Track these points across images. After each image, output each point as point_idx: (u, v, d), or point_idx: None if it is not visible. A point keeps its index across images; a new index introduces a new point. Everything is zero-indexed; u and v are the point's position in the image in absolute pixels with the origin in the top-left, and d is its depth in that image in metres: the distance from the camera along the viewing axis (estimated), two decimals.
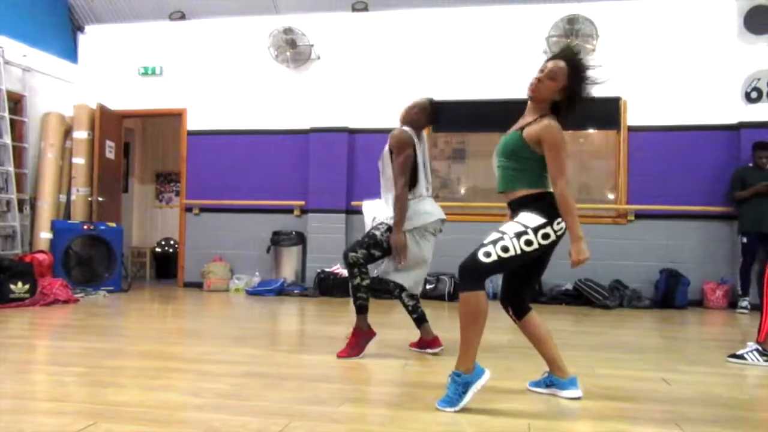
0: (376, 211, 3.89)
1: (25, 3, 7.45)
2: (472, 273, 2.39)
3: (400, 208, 3.54)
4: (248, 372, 3.15)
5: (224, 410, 2.43)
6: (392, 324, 4.48)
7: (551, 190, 2.50)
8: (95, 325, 4.92)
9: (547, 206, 2.49)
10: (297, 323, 5.62)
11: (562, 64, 2.55)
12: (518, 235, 2.42)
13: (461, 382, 2.41)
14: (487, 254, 2.38)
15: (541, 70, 2.59)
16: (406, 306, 3.77)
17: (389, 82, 7.50)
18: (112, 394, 2.66)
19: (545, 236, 2.45)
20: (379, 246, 3.57)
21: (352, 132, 7.54)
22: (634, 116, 6.97)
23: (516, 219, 2.50)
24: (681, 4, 6.99)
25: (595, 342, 4.35)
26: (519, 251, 2.40)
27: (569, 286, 6.69)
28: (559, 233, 2.49)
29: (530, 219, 2.46)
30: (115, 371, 3.16)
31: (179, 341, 4.35)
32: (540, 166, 2.53)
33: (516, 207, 2.58)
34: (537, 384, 2.77)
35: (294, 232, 7.52)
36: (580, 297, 6.54)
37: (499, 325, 5.37)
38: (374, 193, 4.14)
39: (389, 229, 3.60)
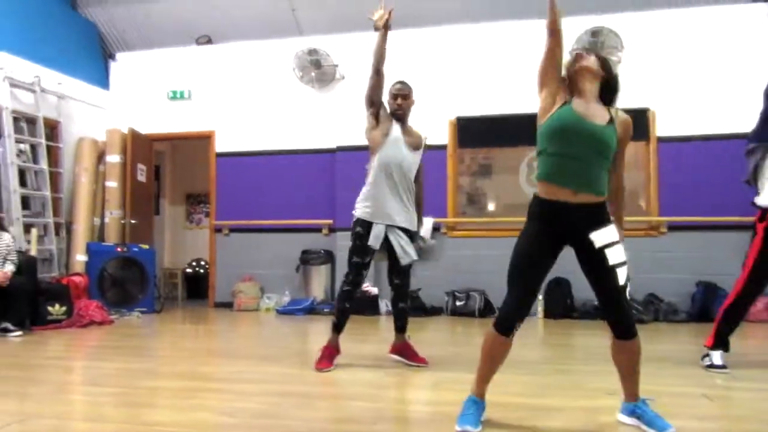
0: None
1: (60, 34, 7.69)
2: (633, 318, 2.41)
3: None
4: (280, 391, 3.16)
5: (258, 430, 2.44)
6: (425, 341, 4.46)
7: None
8: (130, 346, 4.99)
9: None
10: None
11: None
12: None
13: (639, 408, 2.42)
14: (627, 292, 2.40)
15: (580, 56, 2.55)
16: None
17: (414, 99, 7.51)
18: (147, 414, 2.69)
19: None
20: None
21: None
22: (663, 127, 6.88)
23: (613, 239, 2.38)
24: (708, 12, 6.90)
25: None
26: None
27: None
28: None
29: (616, 232, 2.42)
30: (149, 391, 3.20)
31: (211, 361, 4.38)
32: None
33: (592, 215, 2.39)
34: (477, 422, 2.40)
35: (323, 251, 7.54)
36: None
37: (528, 341, 5.30)
38: None
39: None
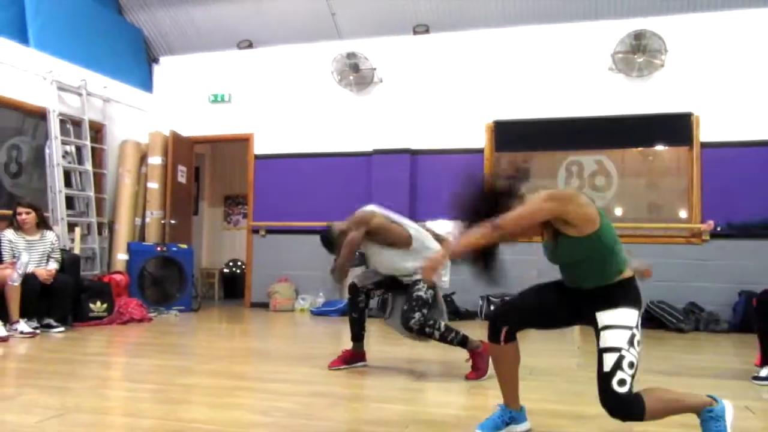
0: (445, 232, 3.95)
1: (106, 38, 7.91)
2: (627, 408, 2.12)
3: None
4: (314, 391, 3.19)
5: (292, 429, 2.46)
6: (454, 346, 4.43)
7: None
8: (167, 344, 5.09)
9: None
10: None
11: None
12: (631, 342, 2.15)
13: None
14: (622, 382, 2.11)
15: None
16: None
17: (451, 103, 7.51)
18: (183, 411, 2.74)
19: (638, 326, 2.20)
20: (430, 308, 3.67)
21: (414, 153, 7.57)
22: (707, 132, 6.70)
23: (614, 323, 2.17)
24: (755, 15, 6.71)
25: (669, 367, 4.16)
26: (639, 357, 2.17)
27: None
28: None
29: (628, 318, 2.18)
30: (185, 389, 3.26)
31: (246, 360, 4.44)
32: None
33: (596, 297, 2.25)
34: (494, 427, 2.43)
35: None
36: (652, 320, 6.28)
37: (564, 349, 5.22)
38: (437, 214, 4.16)
39: (431, 285, 3.68)
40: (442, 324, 3.63)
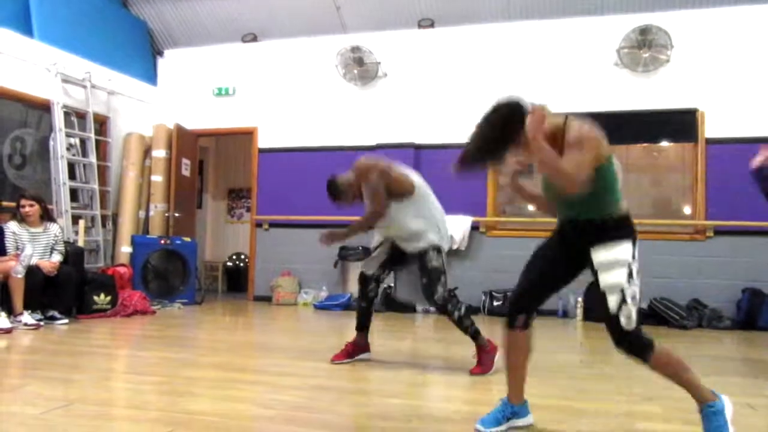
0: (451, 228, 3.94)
1: (110, 31, 7.90)
2: (635, 344, 2.15)
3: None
4: (316, 385, 3.19)
5: (295, 422, 2.47)
6: (458, 341, 4.44)
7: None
8: (171, 336, 5.10)
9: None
10: None
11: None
12: (630, 276, 2.16)
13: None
14: (629, 318, 2.13)
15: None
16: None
17: (455, 97, 7.49)
18: (187, 403, 2.75)
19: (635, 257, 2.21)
20: (446, 273, 3.66)
21: (418, 148, 7.56)
22: (712, 128, 6.68)
23: (611, 259, 2.19)
24: (761, 10, 6.67)
25: None
26: (640, 286, 2.18)
27: (644, 305, 6.44)
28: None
29: (624, 252, 2.20)
30: (189, 381, 3.27)
31: (250, 353, 4.45)
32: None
33: (590, 231, 2.27)
34: (495, 421, 2.42)
35: (360, 247, 7.57)
36: (655, 316, 6.29)
37: (567, 344, 5.23)
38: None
39: (439, 250, 3.66)
40: (464, 308, 3.65)
